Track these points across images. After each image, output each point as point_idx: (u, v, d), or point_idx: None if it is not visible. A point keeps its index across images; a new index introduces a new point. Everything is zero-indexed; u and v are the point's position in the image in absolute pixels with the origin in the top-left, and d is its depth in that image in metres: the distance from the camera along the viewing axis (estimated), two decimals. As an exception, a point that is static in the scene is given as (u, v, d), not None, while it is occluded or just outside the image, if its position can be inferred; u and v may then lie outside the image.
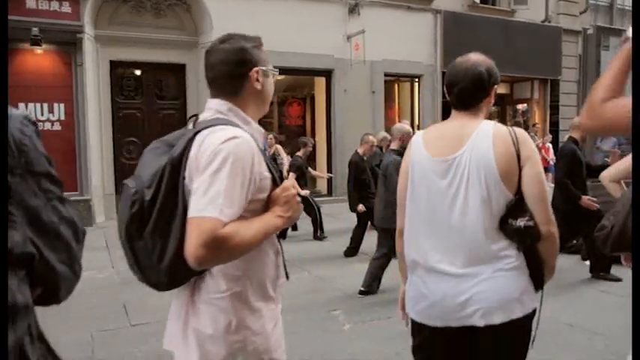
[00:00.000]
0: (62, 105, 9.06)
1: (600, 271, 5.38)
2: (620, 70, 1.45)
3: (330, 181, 11.55)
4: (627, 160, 4.09)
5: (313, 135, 13.10)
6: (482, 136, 1.79)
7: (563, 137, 14.61)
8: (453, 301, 1.78)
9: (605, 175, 3.54)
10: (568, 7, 14.92)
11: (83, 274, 1.06)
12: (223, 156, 1.37)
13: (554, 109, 15.02)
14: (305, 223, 7.90)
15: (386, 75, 12.31)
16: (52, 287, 0.98)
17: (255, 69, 1.59)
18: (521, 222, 1.74)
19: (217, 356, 1.47)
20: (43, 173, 0.95)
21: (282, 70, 11.17)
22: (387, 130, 12.65)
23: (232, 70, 1.55)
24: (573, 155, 5.29)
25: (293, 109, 13.31)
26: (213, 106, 1.57)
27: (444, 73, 12.72)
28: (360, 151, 6.91)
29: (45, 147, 0.96)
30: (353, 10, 11.59)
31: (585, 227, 5.10)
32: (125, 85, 9.86)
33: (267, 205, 1.49)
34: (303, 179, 7.65)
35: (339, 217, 8.68)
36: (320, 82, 12.16)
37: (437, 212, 1.83)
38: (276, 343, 1.57)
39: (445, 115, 13.31)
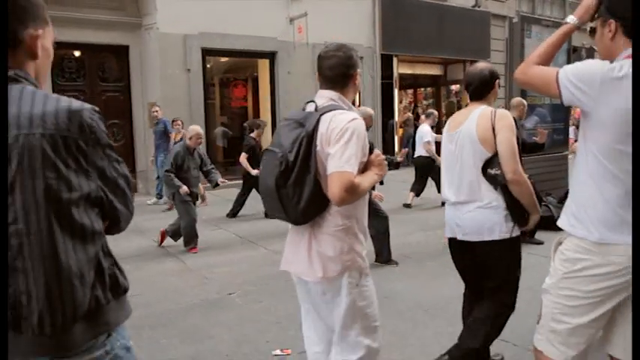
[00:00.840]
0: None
1: (527, 236, 6.06)
2: (552, 45, 2.10)
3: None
4: None
5: (257, 116, 13.30)
6: (474, 115, 2.75)
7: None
8: (452, 221, 2.87)
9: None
10: (496, -7, 15.81)
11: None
12: (351, 131, 1.96)
13: (484, 89, 15.94)
14: (258, 202, 8.18)
15: (328, 57, 12.64)
16: (115, 220, 1.40)
17: (358, 70, 2.20)
18: (492, 171, 2.67)
19: (335, 272, 2.06)
20: (106, 144, 1.33)
21: (226, 52, 11.36)
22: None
23: (345, 71, 2.13)
24: None
25: (238, 90, 13.41)
26: (327, 95, 2.15)
27: (383, 56, 13.35)
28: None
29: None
30: (295, -7, 11.81)
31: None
32: (66, 66, 9.65)
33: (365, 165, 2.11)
34: (256, 160, 7.90)
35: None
36: (264, 64, 12.34)
37: (450, 165, 2.87)
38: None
39: (384, 95, 13.87)
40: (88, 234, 1.30)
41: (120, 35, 9.87)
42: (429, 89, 18.24)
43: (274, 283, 4.83)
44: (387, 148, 14.04)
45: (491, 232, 2.72)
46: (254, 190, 7.98)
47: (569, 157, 8.13)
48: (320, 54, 2.17)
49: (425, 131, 8.68)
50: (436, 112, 10.05)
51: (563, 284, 1.92)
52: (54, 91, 9.54)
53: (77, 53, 9.87)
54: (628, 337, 1.98)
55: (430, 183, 8.66)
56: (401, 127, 15.11)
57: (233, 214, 8.14)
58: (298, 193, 1.99)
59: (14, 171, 1.21)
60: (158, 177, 9.29)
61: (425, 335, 3.61)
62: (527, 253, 5.67)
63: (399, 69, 14.28)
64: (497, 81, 2.88)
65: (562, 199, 6.55)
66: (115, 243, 1.47)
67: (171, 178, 5.90)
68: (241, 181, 8.28)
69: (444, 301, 4.21)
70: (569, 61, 8.19)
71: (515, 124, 6.21)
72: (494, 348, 3.38)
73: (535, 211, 2.77)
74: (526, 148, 5.86)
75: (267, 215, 7.93)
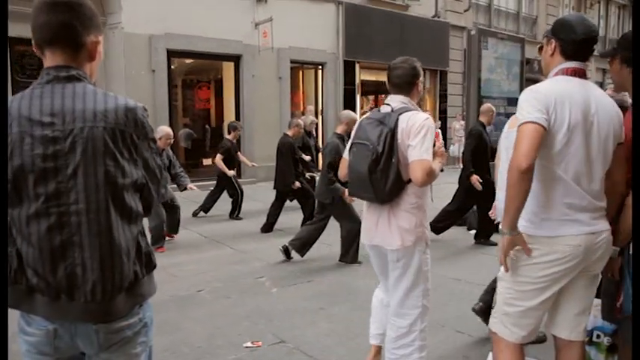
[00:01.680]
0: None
1: (482, 238, 6.40)
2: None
3: (239, 163, 11.90)
4: None
5: (221, 119, 13.33)
6: None
7: (451, 123, 16.17)
8: None
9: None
10: (454, 5, 16.39)
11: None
12: (426, 128, 2.52)
13: (443, 97, 16.51)
14: (224, 204, 8.27)
15: (292, 62, 12.84)
16: (148, 206, 1.60)
17: (420, 79, 2.73)
18: None
19: (410, 241, 2.59)
20: (152, 138, 1.57)
21: (192, 54, 11.35)
22: (293, 114, 13.25)
23: (410, 79, 2.68)
24: (480, 136, 6.18)
25: (202, 92, 13.39)
26: (399, 99, 2.67)
27: (345, 62, 13.62)
28: (290, 133, 7.30)
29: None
30: (261, -3, 11.95)
31: (481, 201, 6.07)
32: (27, 63, 9.46)
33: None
34: (232, 162, 7.99)
35: (251, 197, 9.14)
36: (228, 67, 12.39)
37: None
38: None
39: (346, 101, 14.07)
40: (134, 215, 1.51)
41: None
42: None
43: (242, 280, 4.96)
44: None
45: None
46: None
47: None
48: (389, 65, 2.74)
49: None
50: None
51: (516, 272, 2.17)
52: (13, 88, 9.41)
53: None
54: (569, 318, 2.25)
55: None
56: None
57: (205, 209, 8.17)
58: (385, 177, 2.53)
59: (78, 157, 1.41)
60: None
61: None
62: (482, 253, 6.02)
63: (361, 75, 14.60)
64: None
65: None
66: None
67: None
68: (211, 182, 8.36)
69: (405, 296, 4.45)
70: (522, 72, 8.67)
71: (484, 129, 6.53)
72: (451, 340, 3.63)
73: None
74: (493, 153, 6.17)
75: (231, 216, 8.04)
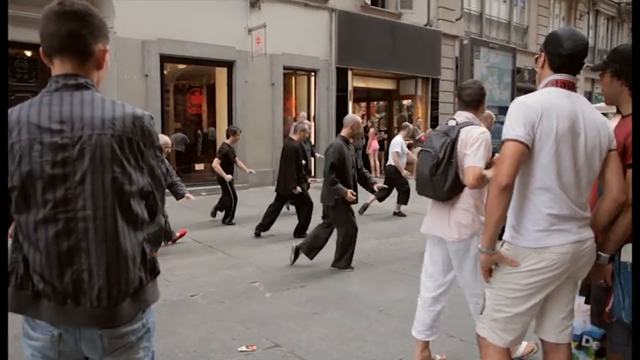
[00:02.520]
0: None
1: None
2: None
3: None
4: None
5: (214, 124, 13.34)
6: None
7: (442, 131, 16.25)
8: None
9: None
10: (446, 14, 16.56)
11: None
12: (481, 140, 2.91)
13: (435, 105, 16.64)
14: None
15: (285, 68, 12.90)
16: (153, 213, 1.63)
17: (486, 98, 3.24)
18: None
19: (466, 235, 2.99)
20: (157, 146, 1.59)
21: (185, 60, 11.38)
22: (286, 120, 13.31)
23: (479, 98, 3.14)
24: None
25: (195, 97, 13.40)
26: (465, 115, 3.12)
27: (338, 69, 13.70)
28: (296, 137, 7.29)
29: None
30: (254, 4, 12.00)
31: None
32: (18, 67, 9.44)
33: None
34: (230, 166, 7.98)
35: (244, 203, 9.14)
36: (221, 73, 12.42)
37: None
38: None
39: (339, 108, 14.18)
40: (139, 222, 1.54)
41: (76, 38, 9.72)
42: (381, 103, 18.80)
43: (235, 285, 4.98)
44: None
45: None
46: (213, 197, 8.07)
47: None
48: (460, 85, 3.30)
49: (396, 142, 8.95)
50: (411, 126, 10.31)
51: (504, 279, 2.22)
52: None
53: (29, 53, 9.66)
54: (556, 323, 2.30)
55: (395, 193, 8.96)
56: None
57: (229, 220, 8.09)
58: (444, 179, 2.97)
59: (87, 164, 1.43)
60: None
61: (380, 332, 3.86)
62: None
63: (354, 82, 14.69)
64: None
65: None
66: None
67: None
68: (203, 187, 8.34)
69: (395, 302, 4.49)
70: (513, 81, 8.80)
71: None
72: (442, 344, 3.67)
73: None
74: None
75: (224, 221, 8.04)
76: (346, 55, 13.82)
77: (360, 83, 15.52)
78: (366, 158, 14.90)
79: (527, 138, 2.06)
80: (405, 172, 8.82)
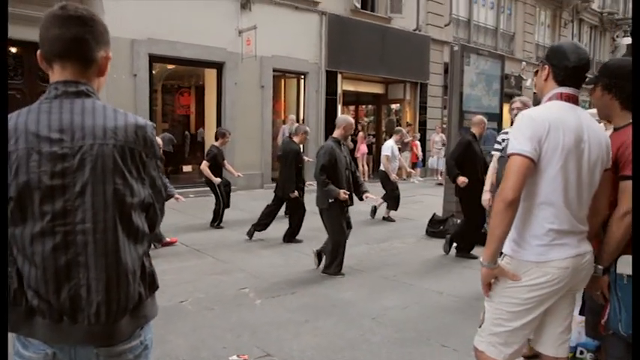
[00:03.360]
0: None
1: (464, 251, 6.47)
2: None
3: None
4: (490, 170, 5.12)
5: (202, 125, 13.25)
6: None
7: (430, 135, 16.36)
8: None
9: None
10: (435, 20, 16.65)
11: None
12: None
13: (423, 109, 16.72)
14: (206, 212, 8.19)
15: (274, 70, 12.85)
16: (153, 225, 1.57)
17: None
18: None
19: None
20: (159, 157, 1.54)
21: (174, 60, 11.28)
22: (275, 123, 13.26)
23: None
24: (467, 145, 6.23)
25: (183, 98, 13.30)
26: None
27: (328, 72, 13.69)
28: (297, 140, 7.17)
29: None
30: (245, 5, 11.94)
31: (467, 211, 6.18)
32: (3, 64, 9.25)
33: None
34: (218, 169, 7.90)
35: (231, 206, 9.06)
36: (211, 74, 12.34)
37: None
38: None
39: (328, 111, 14.18)
40: (140, 235, 1.48)
41: (63, 36, 9.58)
42: (370, 106, 18.83)
43: (225, 291, 4.92)
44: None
45: None
46: (201, 200, 7.98)
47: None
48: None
49: (387, 146, 8.97)
50: (404, 130, 10.30)
51: (505, 293, 2.20)
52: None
53: (14, 50, 9.49)
54: (555, 336, 2.30)
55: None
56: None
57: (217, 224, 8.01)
58: None
59: (87, 175, 1.37)
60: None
61: (373, 341, 3.82)
62: (463, 267, 6.09)
63: (343, 86, 14.69)
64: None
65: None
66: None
67: None
68: (190, 189, 8.26)
69: (388, 310, 4.47)
70: (502, 88, 8.85)
71: (477, 140, 6.67)
72: (436, 355, 3.66)
73: None
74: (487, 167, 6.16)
75: (212, 225, 7.96)
76: (336, 59, 13.82)
77: (349, 87, 15.53)
78: (354, 162, 14.90)
79: (534, 153, 2.04)
80: (393, 177, 8.82)
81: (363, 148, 15.39)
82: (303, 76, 13.69)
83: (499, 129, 8.22)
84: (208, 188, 8.11)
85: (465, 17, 18.18)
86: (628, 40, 21.44)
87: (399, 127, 10.35)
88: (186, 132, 14.92)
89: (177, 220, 8.10)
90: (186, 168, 13.17)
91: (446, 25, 16.93)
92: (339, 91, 14.41)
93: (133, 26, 10.18)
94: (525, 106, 4.57)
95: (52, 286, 1.37)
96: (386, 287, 5.16)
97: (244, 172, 10.34)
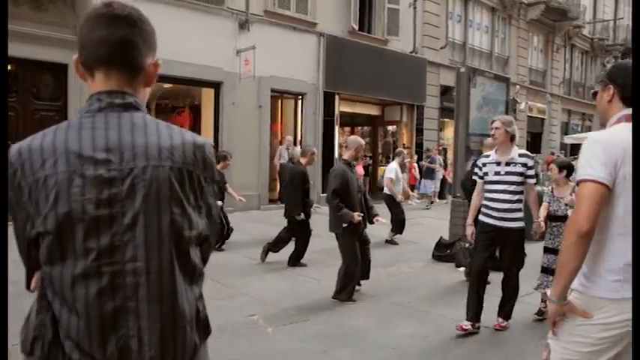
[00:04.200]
0: None
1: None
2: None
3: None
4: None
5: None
6: None
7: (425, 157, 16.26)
8: None
9: None
10: (431, 42, 16.73)
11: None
12: None
13: (419, 131, 16.67)
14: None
15: (272, 91, 12.73)
16: (205, 260, 1.33)
17: None
18: None
19: None
20: (216, 181, 1.35)
21: (171, 79, 11.11)
22: (272, 144, 13.09)
23: None
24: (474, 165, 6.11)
25: (180, 118, 13.11)
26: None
27: (325, 93, 13.60)
28: (304, 161, 7.00)
29: None
30: (243, 25, 11.87)
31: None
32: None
33: None
34: (220, 192, 7.65)
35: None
36: (208, 94, 12.19)
37: None
38: None
39: (325, 132, 14.03)
40: (197, 274, 1.25)
41: (59, 52, 9.37)
42: (366, 128, 18.76)
43: (232, 318, 4.66)
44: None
45: None
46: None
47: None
48: None
49: (391, 168, 8.83)
50: (405, 152, 10.17)
51: (575, 331, 2.00)
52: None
53: (9, 67, 9.27)
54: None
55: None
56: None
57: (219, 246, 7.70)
58: None
59: (139, 204, 1.14)
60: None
61: (397, 374, 3.60)
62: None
63: (340, 107, 14.61)
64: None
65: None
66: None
67: None
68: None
69: (406, 339, 4.25)
70: (507, 111, 8.78)
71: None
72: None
73: None
74: None
75: (215, 248, 7.67)
76: (333, 80, 13.76)
77: (346, 108, 15.46)
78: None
79: (609, 179, 1.86)
80: (399, 198, 8.68)
81: (359, 170, 15.22)
82: (301, 97, 13.59)
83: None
84: None
85: (460, 40, 18.32)
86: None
87: (400, 149, 10.23)
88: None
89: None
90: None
91: (442, 48, 17.02)
92: (337, 112, 14.32)
93: (131, 44, 10.03)
94: (505, 126, 4.38)
95: (97, 339, 1.13)
96: (400, 314, 4.94)
97: (241, 193, 10.12)
